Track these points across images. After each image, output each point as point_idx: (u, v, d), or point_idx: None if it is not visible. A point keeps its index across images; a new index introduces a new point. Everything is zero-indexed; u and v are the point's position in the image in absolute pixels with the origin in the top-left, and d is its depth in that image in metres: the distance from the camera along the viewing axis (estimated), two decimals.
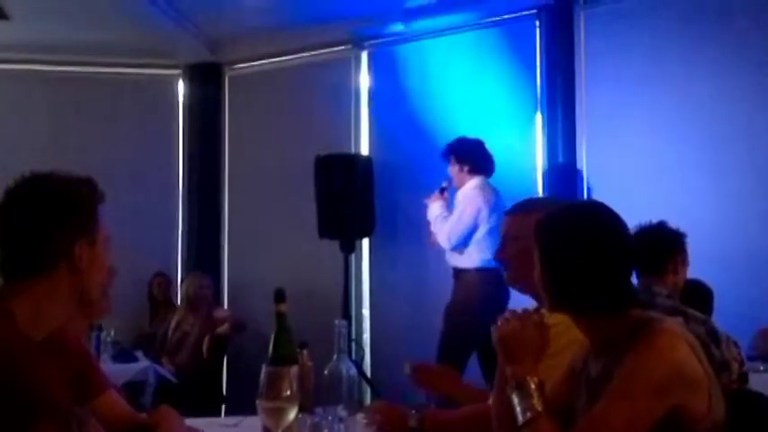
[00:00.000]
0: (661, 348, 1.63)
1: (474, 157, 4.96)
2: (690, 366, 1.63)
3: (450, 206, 5.01)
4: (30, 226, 1.60)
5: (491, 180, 5.01)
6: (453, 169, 4.99)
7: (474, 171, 4.94)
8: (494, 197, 4.90)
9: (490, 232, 4.75)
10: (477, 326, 4.78)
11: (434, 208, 4.99)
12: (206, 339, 5.70)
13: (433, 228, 4.98)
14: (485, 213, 4.82)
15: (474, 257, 4.84)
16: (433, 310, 5.20)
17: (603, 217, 1.75)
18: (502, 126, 5.60)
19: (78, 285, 1.62)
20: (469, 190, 4.91)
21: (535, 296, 2.23)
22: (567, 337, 1.83)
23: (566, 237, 1.73)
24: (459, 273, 4.92)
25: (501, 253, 2.24)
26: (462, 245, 4.85)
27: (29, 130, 6.61)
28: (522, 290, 2.27)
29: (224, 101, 6.95)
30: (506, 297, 4.77)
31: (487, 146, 5.03)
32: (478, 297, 4.74)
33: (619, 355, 1.66)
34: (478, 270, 4.80)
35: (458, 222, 4.85)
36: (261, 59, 6.81)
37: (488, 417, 1.95)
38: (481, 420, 2.02)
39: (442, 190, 5.05)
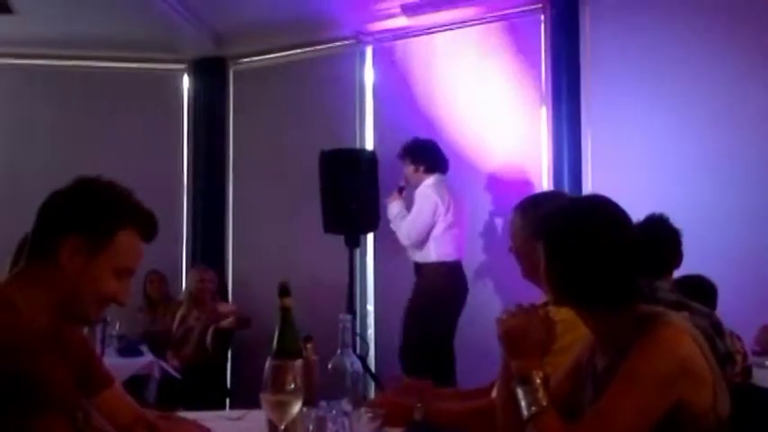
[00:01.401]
0: (666, 342, 1.63)
1: (428, 156, 5.17)
2: (694, 360, 1.63)
3: (409, 205, 5.20)
4: (45, 211, 1.60)
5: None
6: (409, 169, 5.20)
7: (429, 170, 5.15)
8: (449, 194, 5.11)
9: (448, 228, 5.03)
10: (437, 318, 4.97)
11: (393, 207, 5.20)
12: (210, 331, 5.71)
13: (392, 226, 5.18)
14: (441, 210, 5.04)
15: (432, 253, 5.06)
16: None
17: (608, 212, 1.75)
18: (507, 121, 5.60)
19: (60, 285, 1.60)
20: (425, 188, 5.11)
21: (543, 289, 2.24)
22: (573, 334, 1.83)
23: (571, 232, 1.73)
24: (419, 268, 5.15)
25: (512, 248, 2.27)
26: (421, 241, 5.05)
27: (33, 124, 6.62)
28: (534, 283, 2.28)
29: (228, 95, 6.95)
30: (465, 290, 5.02)
31: (441, 145, 5.25)
32: (438, 290, 5.01)
33: (624, 349, 1.66)
34: (438, 264, 5.03)
35: (415, 219, 5.06)
36: (265, 54, 6.80)
37: (492, 409, 1.96)
38: (485, 413, 2.02)
39: (401, 189, 5.25)
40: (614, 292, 1.71)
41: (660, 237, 3.13)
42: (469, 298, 5.15)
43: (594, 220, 1.74)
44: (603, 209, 1.76)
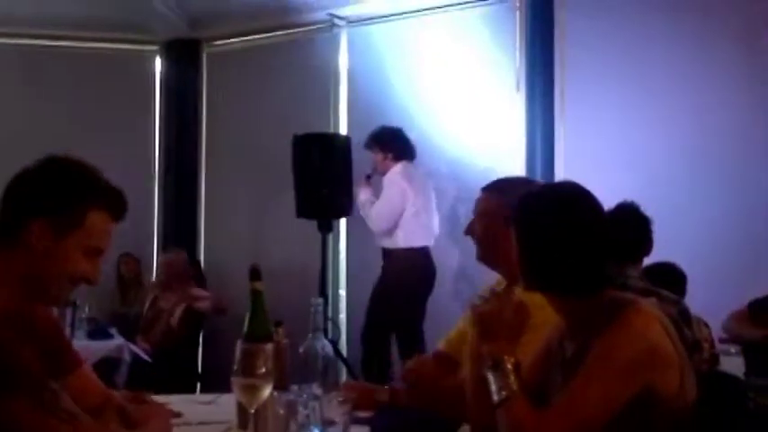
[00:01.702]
0: (634, 327, 1.65)
1: (396, 144, 5.22)
2: (662, 345, 1.65)
3: (378, 192, 5.25)
4: (10, 192, 1.59)
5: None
6: (377, 157, 5.24)
7: (397, 157, 5.20)
8: (417, 180, 5.16)
9: (416, 214, 5.10)
10: (403, 303, 5.04)
11: (361, 195, 5.24)
12: (178, 310, 5.64)
13: (361, 213, 5.22)
14: (409, 196, 5.10)
15: (401, 238, 5.12)
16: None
17: (581, 199, 1.76)
18: (481, 106, 5.60)
19: (29, 266, 1.58)
20: (393, 175, 5.16)
21: (504, 273, 2.27)
22: (541, 316, 1.84)
23: (544, 217, 1.74)
24: (387, 253, 5.20)
25: (471, 228, 2.30)
26: (390, 227, 5.11)
27: (2, 104, 6.52)
28: (490, 266, 2.31)
29: (202, 78, 6.90)
30: (432, 275, 5.11)
31: (407, 133, 5.29)
32: (405, 275, 5.07)
33: (593, 335, 1.68)
34: (406, 250, 5.09)
35: (383, 206, 5.12)
36: (240, 37, 6.76)
37: (456, 388, 2.01)
38: (451, 390, 2.07)
39: (368, 177, 5.29)
40: (585, 279, 1.73)
41: (630, 224, 3.16)
42: (443, 283, 5.18)
43: (567, 206, 1.75)
44: (577, 196, 1.77)
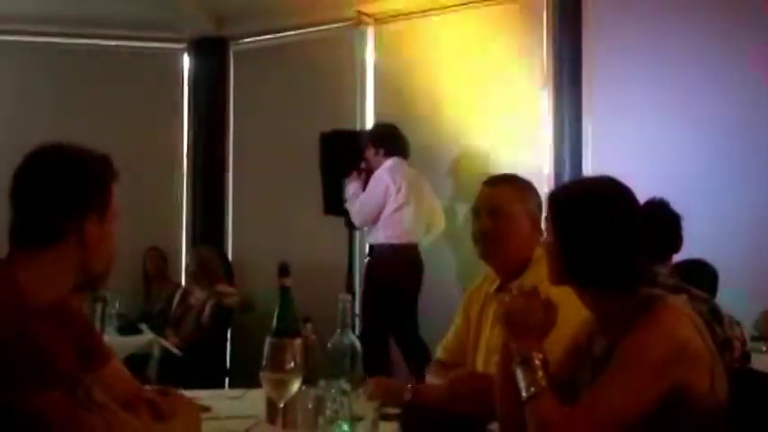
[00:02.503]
0: (664, 325, 1.64)
1: (388, 141, 5.24)
2: (693, 344, 1.64)
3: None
4: (44, 196, 1.60)
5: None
6: (369, 153, 5.25)
7: (388, 153, 5.21)
8: (406, 177, 5.16)
9: (398, 209, 5.09)
10: (389, 299, 5.05)
11: (349, 188, 5.26)
12: (208, 305, 5.68)
13: (347, 206, 5.24)
14: (392, 191, 5.10)
15: (381, 234, 5.13)
16: (435, 287, 5.28)
17: (621, 194, 1.76)
18: (508, 102, 5.58)
19: (84, 260, 1.62)
20: (380, 170, 5.18)
21: (502, 270, 2.31)
22: (566, 313, 1.84)
23: (585, 211, 1.74)
24: (372, 248, 5.26)
25: (476, 225, 2.32)
26: (368, 221, 5.17)
27: (33, 102, 6.59)
28: (493, 263, 2.35)
29: (229, 75, 6.93)
30: (418, 272, 5.14)
31: (402, 130, 5.30)
32: (389, 271, 5.09)
33: (623, 331, 1.67)
34: (390, 246, 5.12)
35: (364, 201, 5.14)
36: (266, 34, 6.77)
37: (474, 385, 2.05)
38: (469, 388, 2.09)
39: (360, 171, 5.28)
40: (620, 275, 1.72)
41: (660, 221, 3.13)
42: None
43: (609, 200, 1.74)
44: (618, 190, 1.76)
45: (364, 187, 5.20)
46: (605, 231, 1.71)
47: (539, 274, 2.16)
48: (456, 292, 5.28)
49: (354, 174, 5.27)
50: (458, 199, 5.63)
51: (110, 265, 1.69)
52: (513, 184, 2.36)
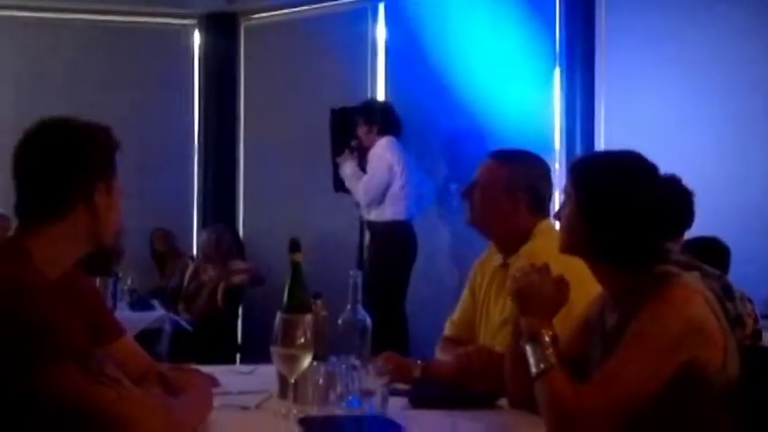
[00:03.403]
0: (677, 302, 1.63)
1: (382, 118, 5.24)
2: (705, 321, 1.64)
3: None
4: (51, 168, 1.60)
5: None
6: (362, 130, 5.24)
7: (381, 131, 5.21)
8: (403, 155, 5.19)
9: (402, 187, 5.15)
10: (398, 275, 5.10)
11: (346, 167, 5.26)
12: (220, 287, 5.73)
13: (347, 185, 5.25)
14: (397, 169, 5.14)
15: (387, 211, 5.16)
16: (445, 262, 5.33)
17: (648, 170, 1.75)
18: (519, 80, 5.54)
19: (94, 230, 1.63)
20: (380, 149, 5.18)
21: (498, 243, 2.34)
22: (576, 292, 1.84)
23: (611, 185, 1.72)
24: (373, 226, 5.27)
25: (468, 191, 2.34)
26: (377, 200, 5.16)
27: (44, 78, 6.59)
28: (480, 231, 2.38)
29: (240, 51, 6.90)
30: (415, 249, 5.22)
31: (396, 108, 5.33)
32: (392, 248, 5.16)
33: (635, 308, 1.66)
34: (391, 223, 5.16)
35: (371, 179, 5.15)
36: (277, 10, 6.74)
37: (482, 361, 2.07)
38: (477, 365, 2.10)
39: (352, 149, 5.28)
40: (639, 252, 1.72)
41: (672, 197, 3.11)
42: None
43: (636, 176, 1.73)
44: (644, 166, 1.75)
45: (359, 165, 5.22)
46: (629, 207, 1.70)
47: (533, 248, 2.18)
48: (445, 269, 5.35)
49: (347, 152, 5.27)
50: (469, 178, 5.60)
51: (118, 236, 1.70)
52: (500, 159, 2.35)
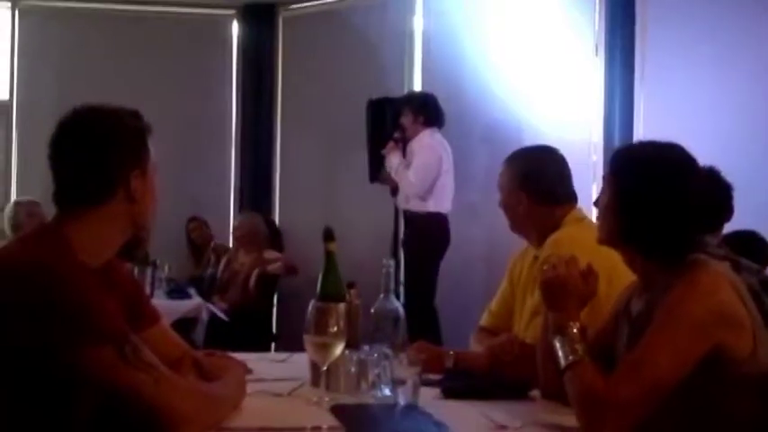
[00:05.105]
0: (702, 287, 1.63)
1: (428, 109, 5.23)
2: (732, 306, 1.63)
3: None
4: (88, 155, 1.62)
5: None
6: (407, 120, 5.23)
7: (427, 123, 5.21)
8: (449, 148, 5.23)
9: (447, 180, 5.21)
10: (429, 265, 5.14)
11: (393, 158, 5.25)
12: (254, 273, 5.75)
13: (394, 176, 5.23)
14: (444, 162, 5.17)
15: (430, 203, 5.18)
16: (479, 254, 5.36)
17: (688, 162, 1.74)
18: (559, 70, 5.50)
19: (133, 214, 1.66)
20: (428, 140, 5.19)
21: (531, 240, 2.38)
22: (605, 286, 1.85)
23: (650, 176, 1.72)
24: (411, 216, 5.27)
25: (500, 201, 2.42)
26: (426, 190, 5.16)
27: (83, 69, 6.67)
28: (521, 235, 2.44)
29: (277, 42, 6.94)
30: (448, 242, 5.23)
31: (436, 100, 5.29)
32: (429, 239, 5.19)
33: (661, 293, 1.66)
34: (432, 214, 5.18)
35: (423, 170, 5.14)
36: (315, 0, 6.76)
37: (515, 353, 2.11)
38: (509, 356, 2.14)
39: (396, 140, 5.27)
40: (675, 243, 1.71)
41: (711, 191, 3.07)
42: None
43: (675, 168, 1.73)
44: (683, 158, 1.74)
45: (403, 156, 5.21)
46: (667, 197, 1.69)
47: (556, 238, 2.23)
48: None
49: (392, 144, 5.26)
50: None
51: (154, 222, 1.72)
52: (511, 163, 2.41)
